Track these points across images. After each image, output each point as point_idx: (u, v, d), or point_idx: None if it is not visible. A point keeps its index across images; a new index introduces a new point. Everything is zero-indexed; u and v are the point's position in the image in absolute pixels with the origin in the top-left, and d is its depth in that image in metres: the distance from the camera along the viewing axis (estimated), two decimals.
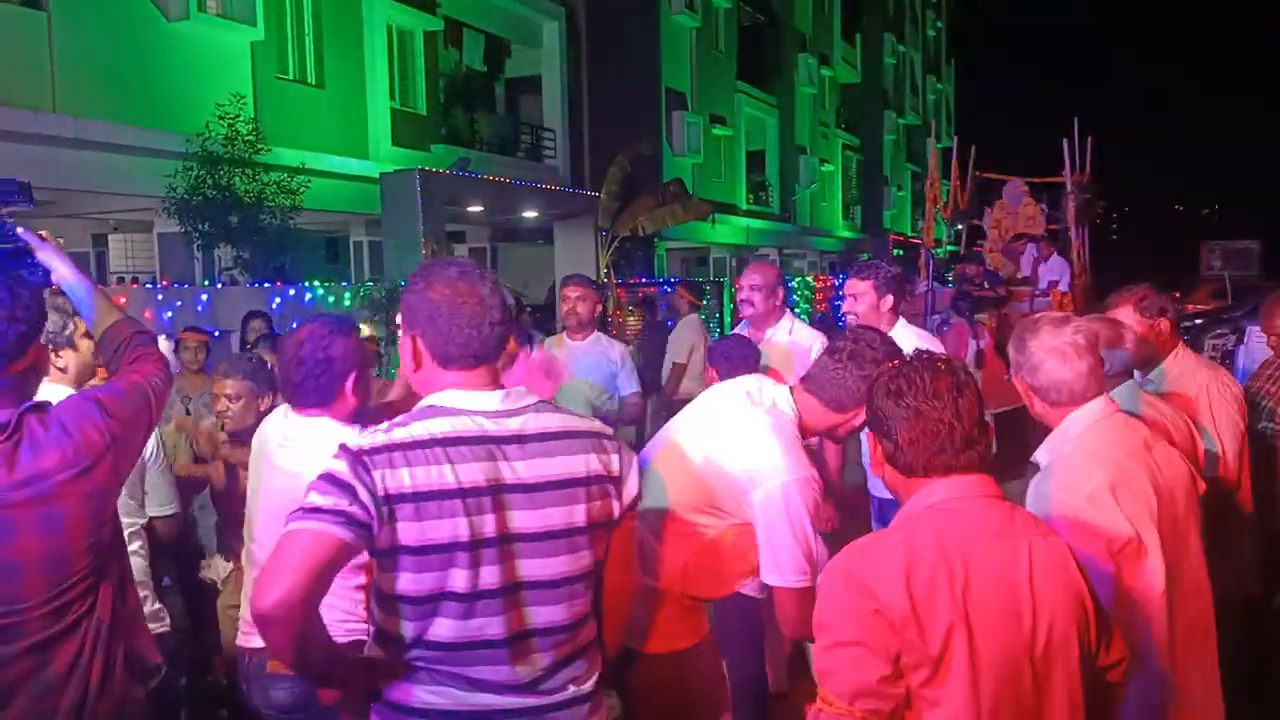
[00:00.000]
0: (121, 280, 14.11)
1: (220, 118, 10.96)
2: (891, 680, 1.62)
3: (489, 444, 1.88)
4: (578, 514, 1.93)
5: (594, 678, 2.01)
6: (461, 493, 1.82)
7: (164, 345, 3.04)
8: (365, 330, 10.26)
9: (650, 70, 23.13)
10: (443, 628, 1.86)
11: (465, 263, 2.01)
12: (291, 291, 10.13)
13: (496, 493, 1.86)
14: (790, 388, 2.70)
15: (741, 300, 4.53)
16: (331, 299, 10.57)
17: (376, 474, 1.78)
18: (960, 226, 14.24)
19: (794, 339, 4.47)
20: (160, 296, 8.96)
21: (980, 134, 17.50)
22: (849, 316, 4.35)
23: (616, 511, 2.02)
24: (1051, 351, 2.36)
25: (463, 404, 1.91)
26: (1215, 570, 2.57)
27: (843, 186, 36.46)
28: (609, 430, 2.08)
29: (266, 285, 10.16)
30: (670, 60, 23.85)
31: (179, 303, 8.95)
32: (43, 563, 2.05)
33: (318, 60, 14.96)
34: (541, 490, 1.90)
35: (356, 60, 15.53)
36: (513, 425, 1.92)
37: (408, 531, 1.80)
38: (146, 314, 8.44)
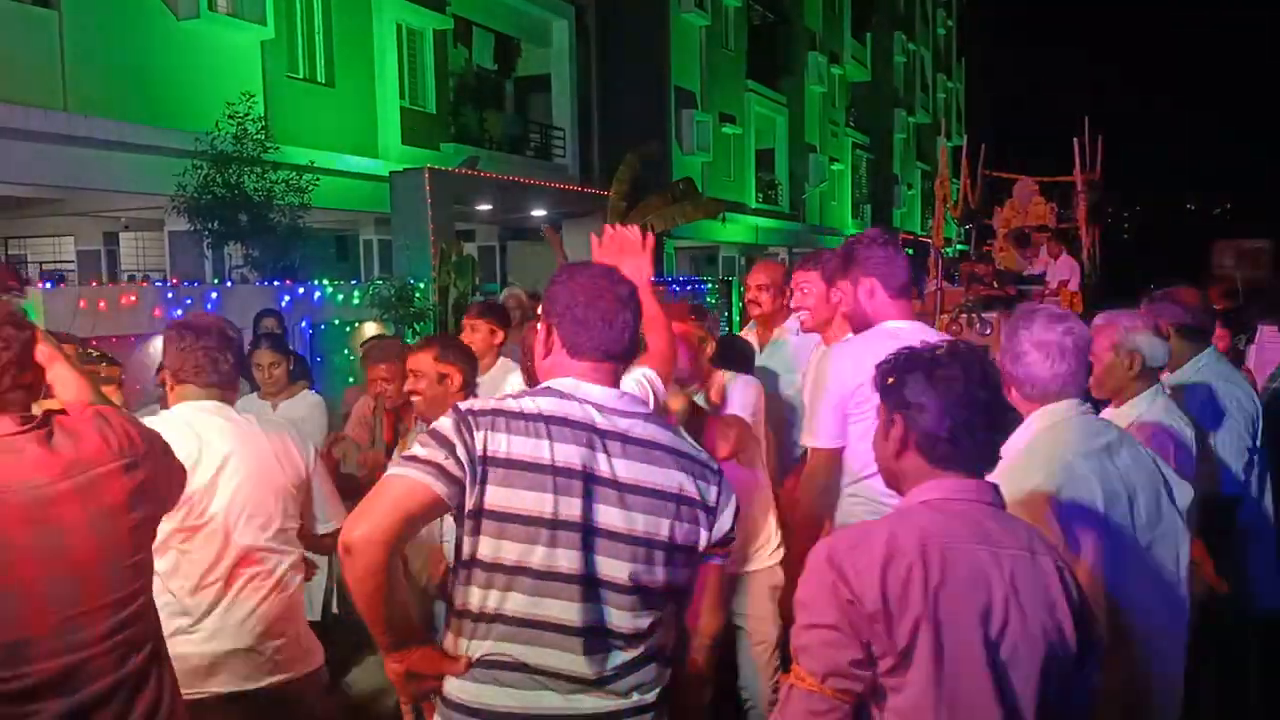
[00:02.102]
0: (132, 278, 14.16)
1: (230, 116, 10.99)
2: (863, 664, 1.68)
3: (592, 433, 1.93)
4: (663, 527, 1.94)
5: (658, 689, 2.00)
6: (553, 470, 1.87)
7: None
8: (374, 328, 10.30)
9: (660, 69, 23.11)
10: (515, 602, 1.89)
11: (610, 268, 2.10)
12: (301, 290, 10.15)
13: (587, 481, 1.90)
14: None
15: (750, 300, 4.53)
16: (341, 297, 10.59)
17: (479, 434, 1.87)
18: (970, 225, 14.20)
19: (802, 337, 4.46)
20: (170, 294, 8.99)
21: (991, 133, 17.46)
22: (800, 314, 3.84)
23: (703, 541, 2.00)
24: (1038, 345, 2.34)
25: (578, 391, 1.97)
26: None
27: (852, 185, 36.38)
28: (715, 464, 2.09)
29: (276, 283, 10.18)
30: (680, 59, 23.82)
31: (189, 300, 8.97)
32: (100, 574, 1.88)
33: (328, 59, 14.98)
34: (632, 493, 1.93)
35: (366, 59, 15.55)
36: (621, 424, 1.97)
37: (494, 495, 1.86)
38: (156, 312, 8.46)
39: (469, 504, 1.86)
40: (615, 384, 2.03)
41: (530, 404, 1.93)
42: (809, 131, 31.65)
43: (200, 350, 2.68)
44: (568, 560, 1.88)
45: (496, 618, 1.89)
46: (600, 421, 1.94)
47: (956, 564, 1.68)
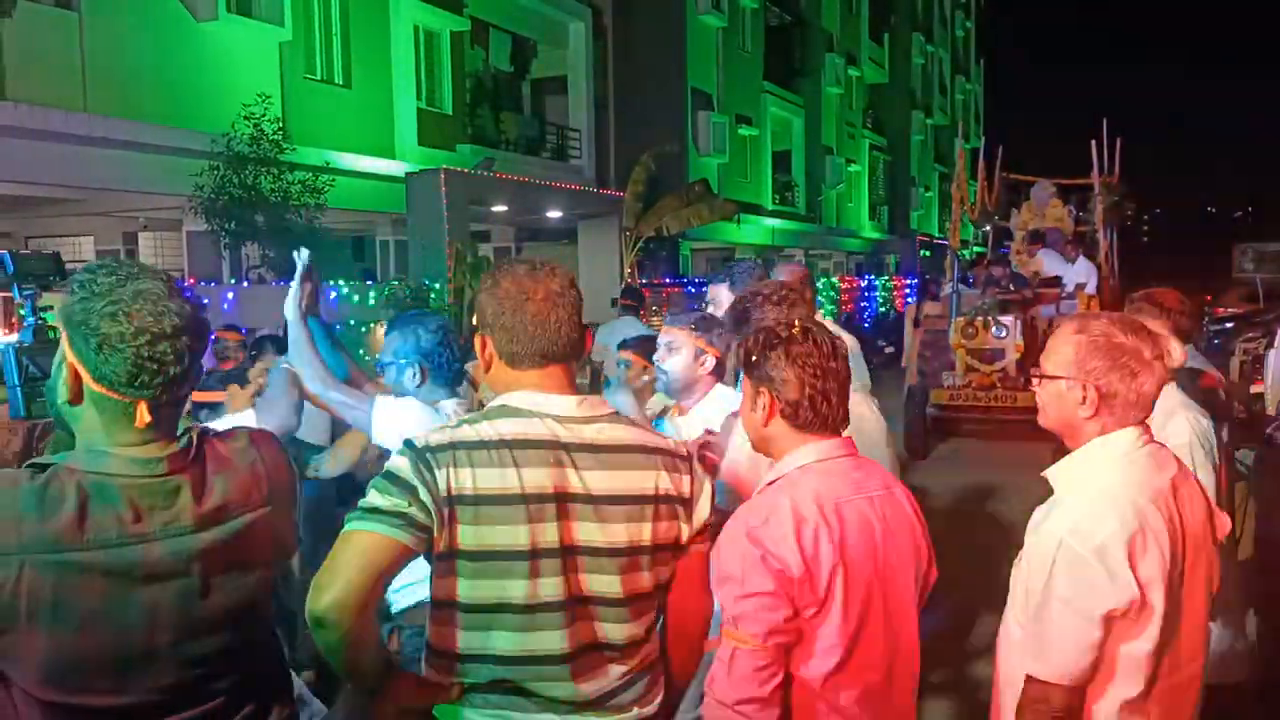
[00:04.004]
0: None
1: (246, 117, 11.04)
2: (794, 618, 1.92)
3: (558, 450, 1.81)
4: (644, 532, 1.86)
5: (657, 700, 1.95)
6: (524, 498, 1.76)
7: None
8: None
9: (676, 70, 23.11)
10: (501, 640, 1.79)
11: (536, 260, 1.96)
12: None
13: (561, 501, 1.79)
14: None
15: None
16: (357, 298, 10.62)
17: (440, 472, 1.73)
18: (987, 228, 14.12)
19: None
20: (188, 294, 9.04)
21: (1008, 135, 17.38)
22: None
23: (685, 535, 1.93)
24: (1147, 365, 2.06)
25: (535, 406, 1.84)
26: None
27: (869, 187, 36.28)
28: (683, 450, 1.99)
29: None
30: (696, 60, 23.82)
31: (206, 300, 9.02)
32: (221, 639, 1.63)
33: (345, 60, 15.05)
34: (609, 503, 1.83)
35: (383, 60, 15.61)
36: (586, 433, 1.85)
37: (467, 535, 1.74)
38: None
39: (439, 546, 1.75)
40: (570, 388, 1.90)
41: (489, 429, 1.80)
42: (826, 133, 31.59)
43: None
44: (553, 587, 1.79)
45: (483, 658, 1.81)
46: (564, 435, 1.83)
47: (849, 515, 1.98)
